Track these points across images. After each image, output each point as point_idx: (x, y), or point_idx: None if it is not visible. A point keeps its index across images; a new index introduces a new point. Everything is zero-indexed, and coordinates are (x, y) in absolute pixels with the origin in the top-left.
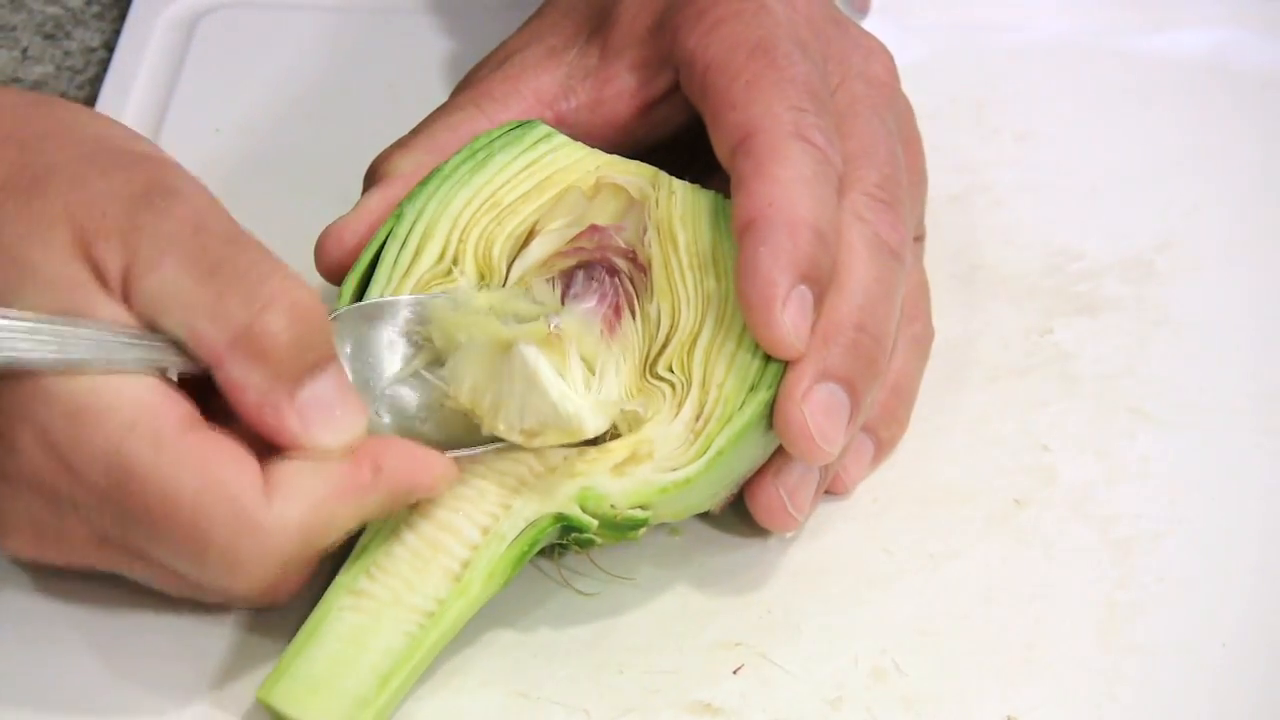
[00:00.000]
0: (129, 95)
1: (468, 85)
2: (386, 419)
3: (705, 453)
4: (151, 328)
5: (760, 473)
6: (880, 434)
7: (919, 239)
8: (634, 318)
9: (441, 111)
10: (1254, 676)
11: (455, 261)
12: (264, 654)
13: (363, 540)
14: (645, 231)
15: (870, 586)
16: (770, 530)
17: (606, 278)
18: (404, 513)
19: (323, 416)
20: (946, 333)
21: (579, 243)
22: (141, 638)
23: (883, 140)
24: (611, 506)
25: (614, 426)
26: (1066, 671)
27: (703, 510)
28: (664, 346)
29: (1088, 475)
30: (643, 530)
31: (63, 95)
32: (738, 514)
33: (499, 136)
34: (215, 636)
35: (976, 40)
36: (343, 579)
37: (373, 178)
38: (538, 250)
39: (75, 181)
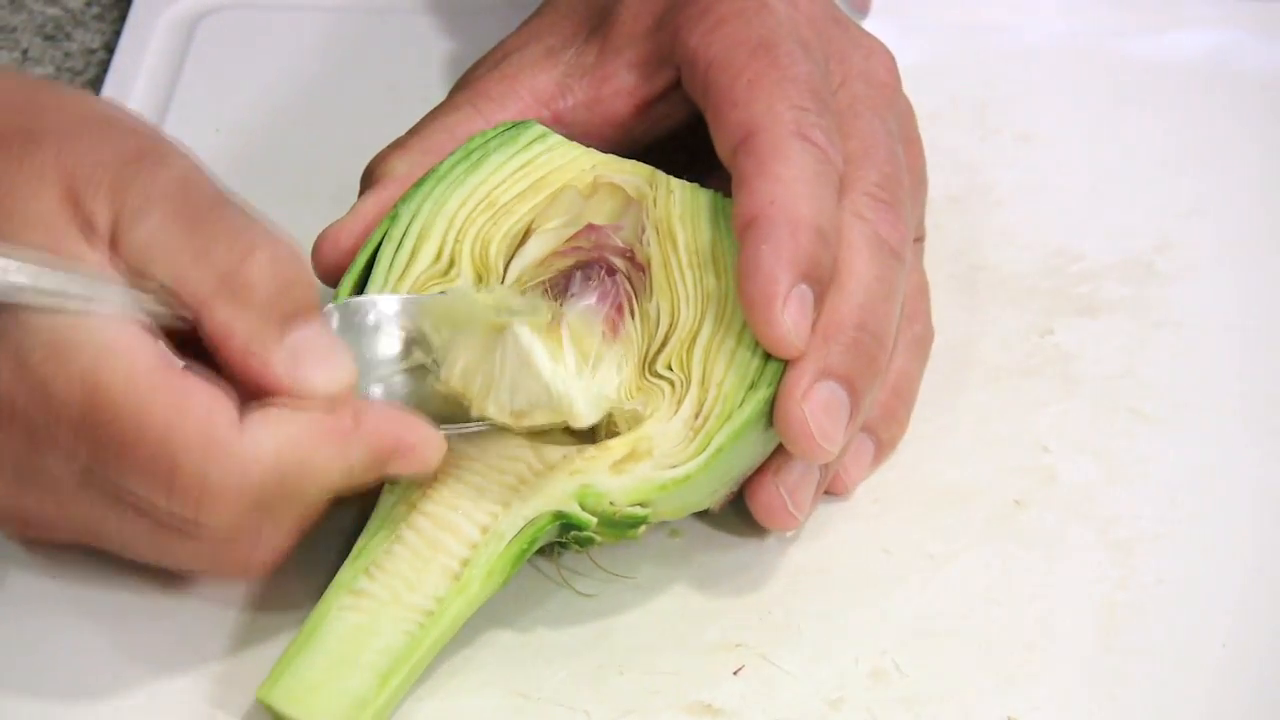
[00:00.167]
0: (129, 96)
1: (464, 85)
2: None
3: (705, 450)
4: (138, 280)
5: (760, 471)
6: (880, 434)
7: (919, 240)
8: (633, 316)
9: (438, 112)
10: (1253, 677)
11: (452, 262)
12: (263, 653)
13: (362, 539)
14: (643, 231)
15: (870, 587)
16: (770, 529)
17: (605, 277)
18: (403, 511)
19: (310, 359)
20: (946, 333)
21: (576, 242)
22: (140, 638)
23: (883, 140)
24: (611, 504)
25: (613, 423)
26: (1066, 672)
27: (702, 509)
28: (663, 344)
29: (1088, 476)
30: (642, 528)
31: None
32: (738, 514)
33: (494, 137)
34: (214, 636)
35: (977, 41)
36: (342, 578)
37: (369, 179)
38: (535, 249)
39: (68, 142)
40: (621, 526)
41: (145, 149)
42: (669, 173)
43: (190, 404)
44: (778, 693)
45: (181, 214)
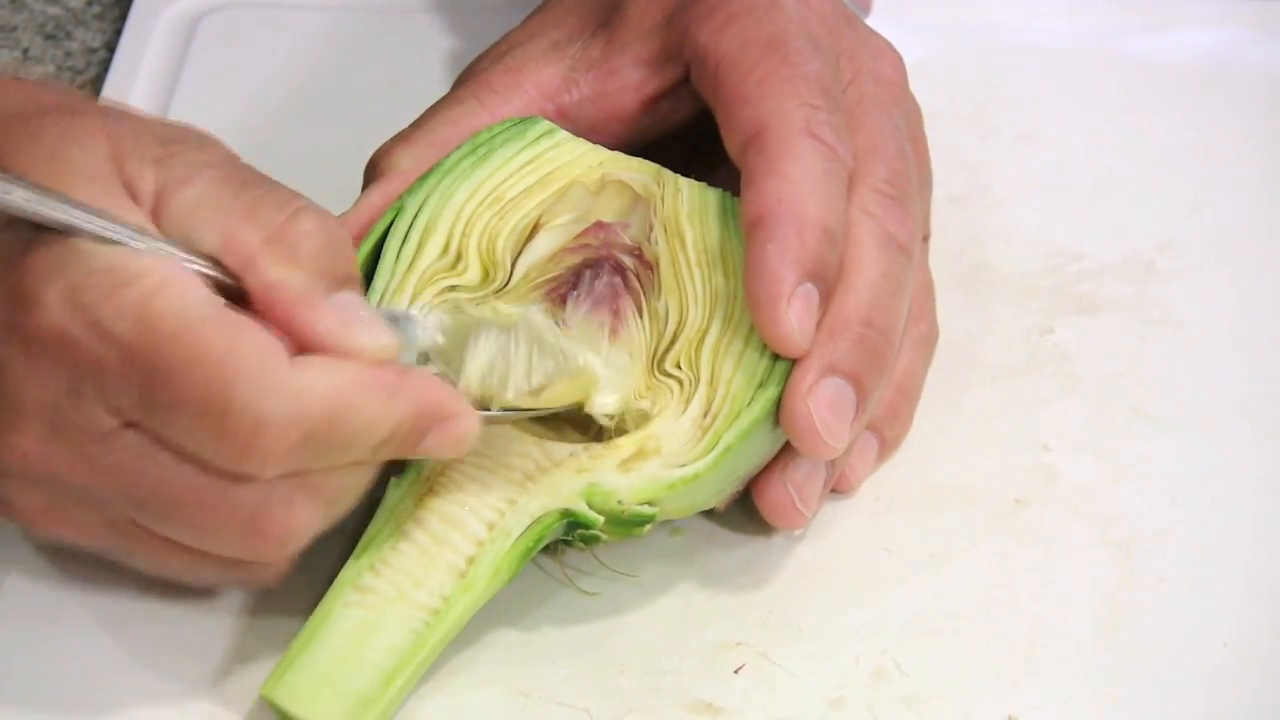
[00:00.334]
0: (130, 95)
1: (468, 78)
2: None
3: (713, 449)
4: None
5: (768, 470)
6: (885, 432)
7: (925, 239)
8: (641, 315)
9: (442, 105)
10: (1254, 676)
11: (459, 256)
12: (268, 650)
13: (367, 534)
14: (651, 229)
15: (871, 586)
16: (778, 527)
17: (614, 274)
18: (409, 507)
19: (357, 321)
20: (948, 333)
21: (585, 239)
22: (145, 634)
23: (892, 137)
24: (618, 502)
25: (621, 422)
26: (1067, 671)
27: (708, 507)
28: (672, 343)
29: (1088, 475)
30: (648, 527)
31: None
32: (741, 512)
33: (500, 132)
34: (219, 633)
35: (977, 40)
36: (347, 574)
37: (373, 172)
38: (543, 245)
39: (112, 118)
40: (628, 525)
41: (186, 133)
42: (672, 169)
43: (245, 336)
44: (779, 692)
45: (228, 180)
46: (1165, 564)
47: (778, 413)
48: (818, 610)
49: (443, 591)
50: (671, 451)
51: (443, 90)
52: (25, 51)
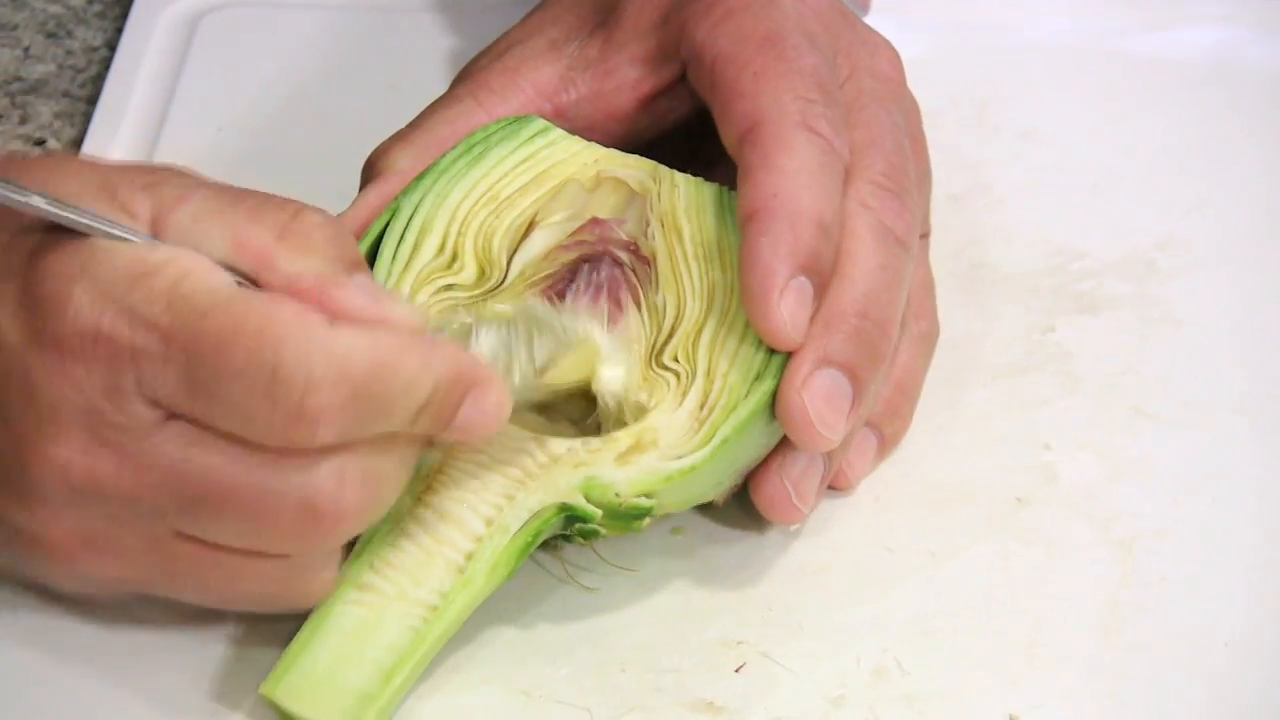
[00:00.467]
0: (130, 94)
1: (466, 77)
2: None
3: (710, 441)
4: None
5: (765, 464)
6: (884, 430)
7: (924, 236)
8: (639, 309)
9: (439, 104)
10: (1256, 675)
11: (455, 255)
12: (267, 648)
13: (366, 533)
14: (647, 225)
15: (872, 585)
16: (775, 522)
17: (612, 268)
18: (408, 504)
19: (385, 293)
20: (948, 331)
21: (580, 236)
22: (144, 631)
23: (889, 130)
24: (616, 495)
25: (619, 415)
26: (1068, 670)
27: (706, 500)
28: (669, 337)
29: (1089, 474)
30: (647, 520)
31: (64, 94)
32: (741, 508)
33: (495, 131)
34: (219, 630)
35: (977, 39)
36: (347, 572)
37: (370, 172)
38: (539, 243)
39: (90, 160)
40: (627, 518)
41: (167, 168)
42: (671, 168)
43: (280, 304)
44: (779, 690)
45: (221, 194)
46: (1166, 563)
47: (774, 405)
48: (818, 608)
49: (442, 588)
50: (668, 444)
51: (442, 89)
52: (26, 49)
